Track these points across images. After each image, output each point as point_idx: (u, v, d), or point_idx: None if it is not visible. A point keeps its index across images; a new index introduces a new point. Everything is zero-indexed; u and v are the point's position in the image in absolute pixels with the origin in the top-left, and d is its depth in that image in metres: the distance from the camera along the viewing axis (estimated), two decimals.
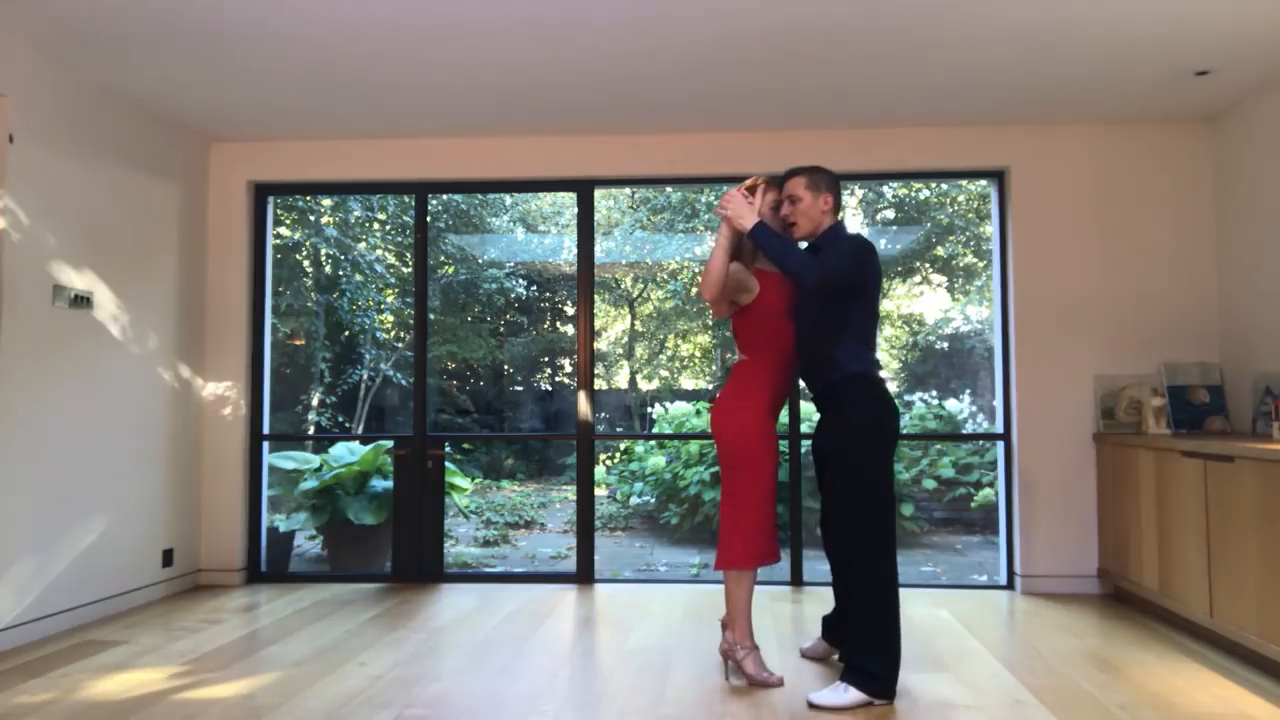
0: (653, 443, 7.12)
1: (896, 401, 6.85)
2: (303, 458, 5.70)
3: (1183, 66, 3.79)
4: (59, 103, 3.80)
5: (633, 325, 8.74)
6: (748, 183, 3.11)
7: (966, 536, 6.64)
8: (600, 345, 8.40)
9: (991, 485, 6.51)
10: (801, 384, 3.78)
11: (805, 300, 3.01)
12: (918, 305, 7.81)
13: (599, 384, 8.14)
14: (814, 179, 3.03)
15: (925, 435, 6.70)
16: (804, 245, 3.11)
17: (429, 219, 4.96)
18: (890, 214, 7.56)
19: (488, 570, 5.80)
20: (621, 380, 8.56)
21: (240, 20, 3.35)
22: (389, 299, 7.67)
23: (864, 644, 2.83)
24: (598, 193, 5.21)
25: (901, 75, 3.90)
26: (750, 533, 3.02)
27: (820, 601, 4.25)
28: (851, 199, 7.17)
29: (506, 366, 8.60)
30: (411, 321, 5.03)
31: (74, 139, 3.89)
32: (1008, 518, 4.59)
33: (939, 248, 7.67)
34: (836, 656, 3.26)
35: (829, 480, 2.97)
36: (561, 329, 8.77)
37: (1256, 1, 3.19)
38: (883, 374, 2.99)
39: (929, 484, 6.56)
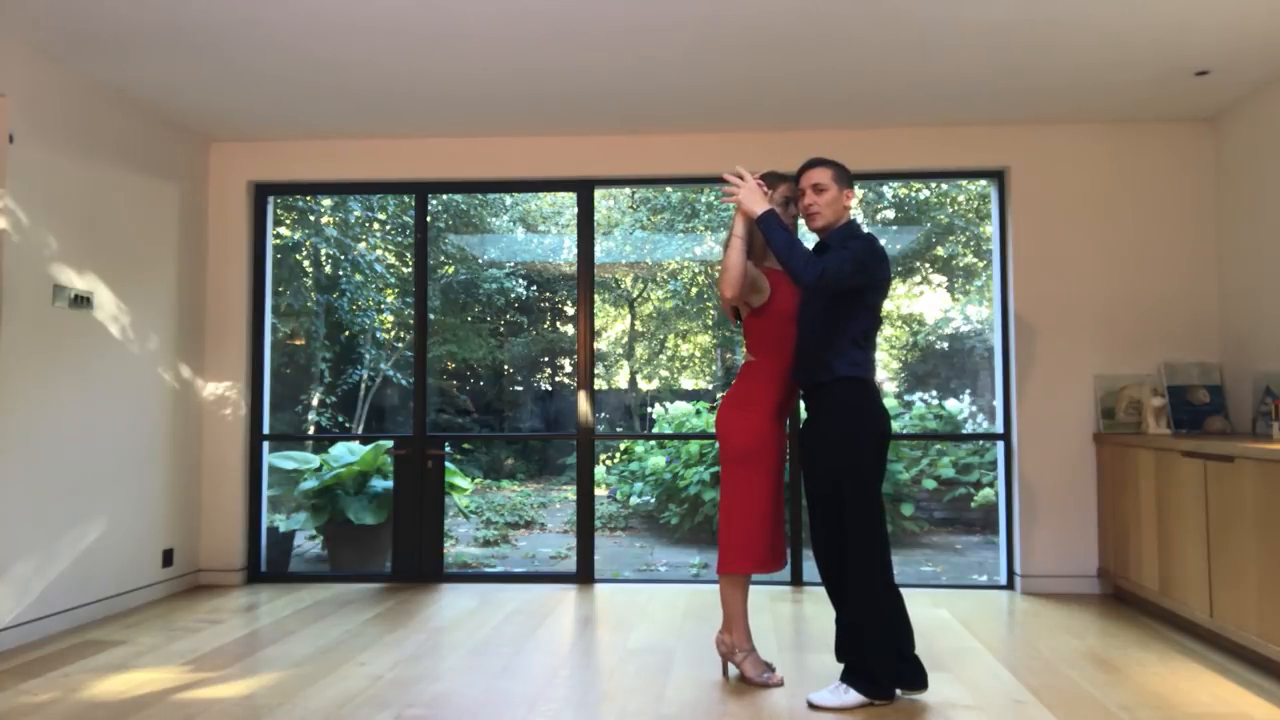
0: (653, 443, 7.12)
1: (894, 404, 6.92)
2: (303, 458, 5.70)
3: (1183, 66, 3.79)
4: (59, 103, 3.80)
5: (633, 325, 8.74)
6: (760, 174, 3.08)
7: (966, 536, 6.64)
8: (600, 345, 8.40)
9: (991, 485, 6.51)
10: None
11: (807, 299, 2.99)
12: (918, 305, 7.81)
13: (599, 384, 8.14)
14: (840, 172, 2.97)
15: (925, 435, 6.70)
16: (816, 239, 3.07)
17: (429, 219, 4.96)
18: (890, 214, 7.57)
19: (488, 570, 5.80)
20: (621, 380, 8.56)
21: (240, 20, 3.35)
22: (389, 299, 7.67)
23: (862, 646, 2.82)
24: (598, 193, 5.20)
25: (901, 75, 3.90)
26: (749, 536, 3.00)
27: (821, 601, 4.24)
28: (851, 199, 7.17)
29: (506, 366, 8.60)
30: (411, 321, 5.03)
31: (74, 139, 3.89)
32: (1008, 518, 4.59)
33: (939, 248, 7.67)
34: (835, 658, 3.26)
35: (815, 483, 2.95)
36: (561, 329, 8.77)
37: (1256, 1, 3.20)
38: (882, 375, 2.97)
39: (929, 484, 6.55)
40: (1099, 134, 4.53)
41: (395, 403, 7.56)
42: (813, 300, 2.96)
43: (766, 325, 3.08)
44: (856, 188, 7.57)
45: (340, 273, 7.33)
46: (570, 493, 7.72)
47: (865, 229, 3.02)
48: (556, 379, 8.75)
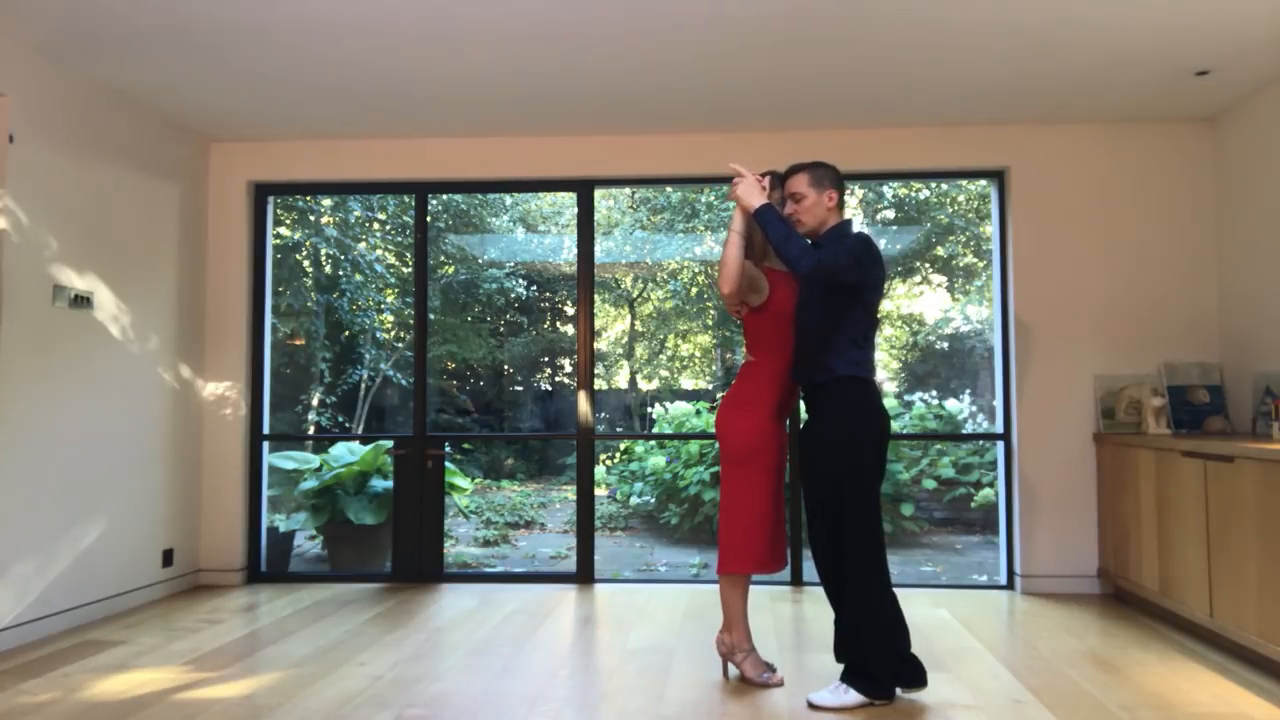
0: (653, 443, 7.12)
1: (894, 404, 6.92)
2: (303, 458, 5.70)
3: (1183, 66, 3.79)
4: (59, 103, 3.80)
5: (633, 325, 8.74)
6: (760, 173, 3.09)
7: (966, 536, 6.64)
8: (600, 345, 8.40)
9: (991, 485, 6.51)
10: None
11: (805, 299, 2.99)
12: (918, 305, 7.81)
13: (599, 384, 8.14)
14: (817, 175, 2.97)
15: (925, 435, 6.69)
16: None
17: (429, 219, 4.96)
18: (890, 214, 7.56)
19: (488, 570, 5.80)
20: (621, 380, 8.56)
21: (240, 20, 3.35)
22: (389, 299, 7.67)
23: (861, 646, 2.82)
24: (598, 193, 5.20)
25: (901, 75, 3.90)
26: (749, 536, 3.00)
27: (821, 601, 4.25)
28: (851, 199, 7.18)
29: (506, 366, 8.60)
30: (411, 321, 5.03)
31: (74, 139, 3.89)
32: (1008, 518, 4.59)
33: (939, 248, 7.67)
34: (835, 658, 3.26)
35: (815, 484, 2.95)
36: (561, 329, 8.77)
37: (1256, 1, 3.20)
38: (882, 374, 2.97)
39: (929, 484, 6.55)
40: (1099, 134, 4.53)
41: (395, 403, 7.55)
42: (811, 300, 2.96)
43: (766, 325, 3.07)
44: (857, 187, 7.52)
45: (340, 273, 7.33)
46: (570, 493, 7.72)
47: (865, 229, 3.02)
48: (556, 379, 8.75)
